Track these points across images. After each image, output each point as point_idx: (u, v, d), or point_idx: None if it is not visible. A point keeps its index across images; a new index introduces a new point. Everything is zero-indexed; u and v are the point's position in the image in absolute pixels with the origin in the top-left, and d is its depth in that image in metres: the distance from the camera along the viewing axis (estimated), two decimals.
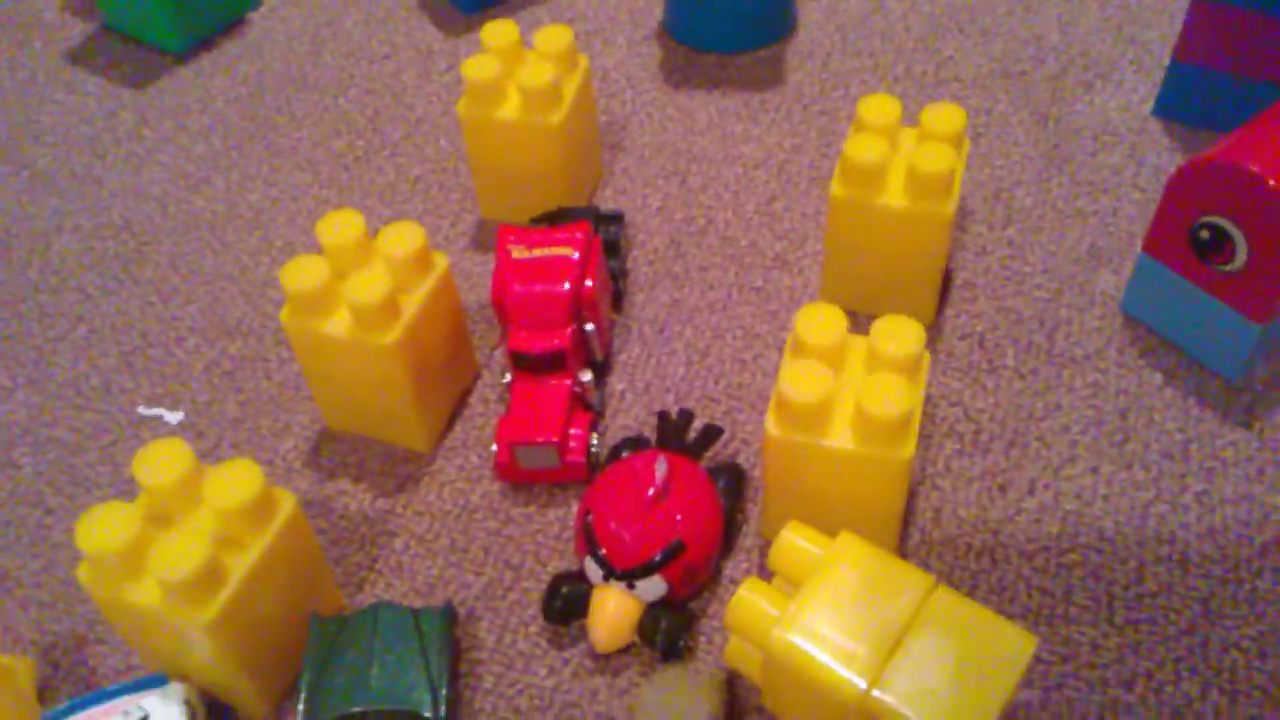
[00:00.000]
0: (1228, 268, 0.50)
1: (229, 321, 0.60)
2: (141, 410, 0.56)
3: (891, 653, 0.38)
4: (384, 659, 0.43)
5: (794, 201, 0.64)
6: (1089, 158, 0.64)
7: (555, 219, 0.59)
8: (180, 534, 0.39)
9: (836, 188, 0.53)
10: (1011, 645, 0.38)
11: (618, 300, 0.59)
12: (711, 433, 0.51)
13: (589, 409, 0.53)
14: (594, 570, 0.45)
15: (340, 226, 0.49)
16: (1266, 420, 0.52)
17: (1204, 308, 0.52)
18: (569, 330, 0.51)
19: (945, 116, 0.53)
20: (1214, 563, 0.47)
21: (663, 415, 0.52)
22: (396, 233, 0.49)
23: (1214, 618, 0.45)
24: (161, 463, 0.41)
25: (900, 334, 0.44)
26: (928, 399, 0.54)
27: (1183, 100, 0.65)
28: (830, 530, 0.45)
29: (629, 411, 0.54)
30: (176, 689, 0.42)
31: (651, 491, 0.45)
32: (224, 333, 0.60)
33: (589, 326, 0.53)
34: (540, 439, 0.50)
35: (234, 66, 0.76)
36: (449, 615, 0.45)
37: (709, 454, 0.52)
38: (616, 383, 0.56)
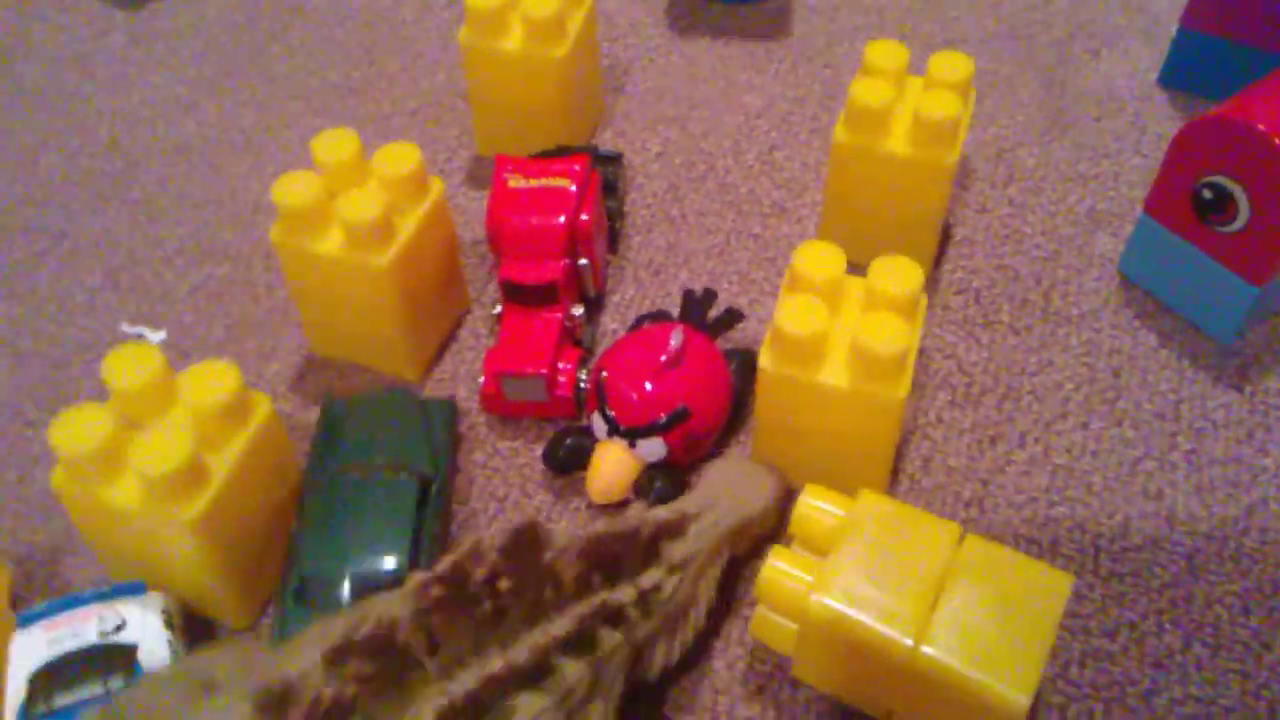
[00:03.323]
0: (1228, 228, 0.50)
1: (216, 244, 0.59)
2: (124, 328, 0.55)
3: (932, 606, 0.37)
4: (388, 431, 0.46)
5: (794, 151, 0.63)
6: (1092, 123, 0.64)
7: (555, 156, 0.58)
8: (160, 431, 0.38)
9: (840, 132, 0.52)
10: (1049, 585, 0.38)
11: (614, 240, 0.58)
12: (732, 315, 0.51)
13: (579, 345, 0.52)
14: (600, 425, 0.47)
15: (335, 144, 0.48)
16: (1258, 383, 0.52)
17: (1202, 270, 0.52)
18: (562, 263, 0.51)
19: (952, 64, 0.52)
20: (1200, 520, 0.47)
21: (688, 293, 0.52)
22: (392, 152, 0.48)
23: (1198, 573, 0.46)
24: (132, 366, 0.40)
25: (899, 274, 0.44)
26: (922, 350, 0.54)
27: (1188, 69, 0.64)
28: (820, 471, 0.45)
29: None
30: (155, 597, 0.41)
31: (664, 358, 0.46)
32: (211, 255, 0.59)
33: (582, 261, 0.52)
34: (529, 370, 0.49)
35: None
36: (452, 406, 0.49)
37: (727, 336, 0.52)
38: (609, 322, 0.55)
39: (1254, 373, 0.52)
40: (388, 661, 0.34)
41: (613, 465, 0.46)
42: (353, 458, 0.45)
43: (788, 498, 0.45)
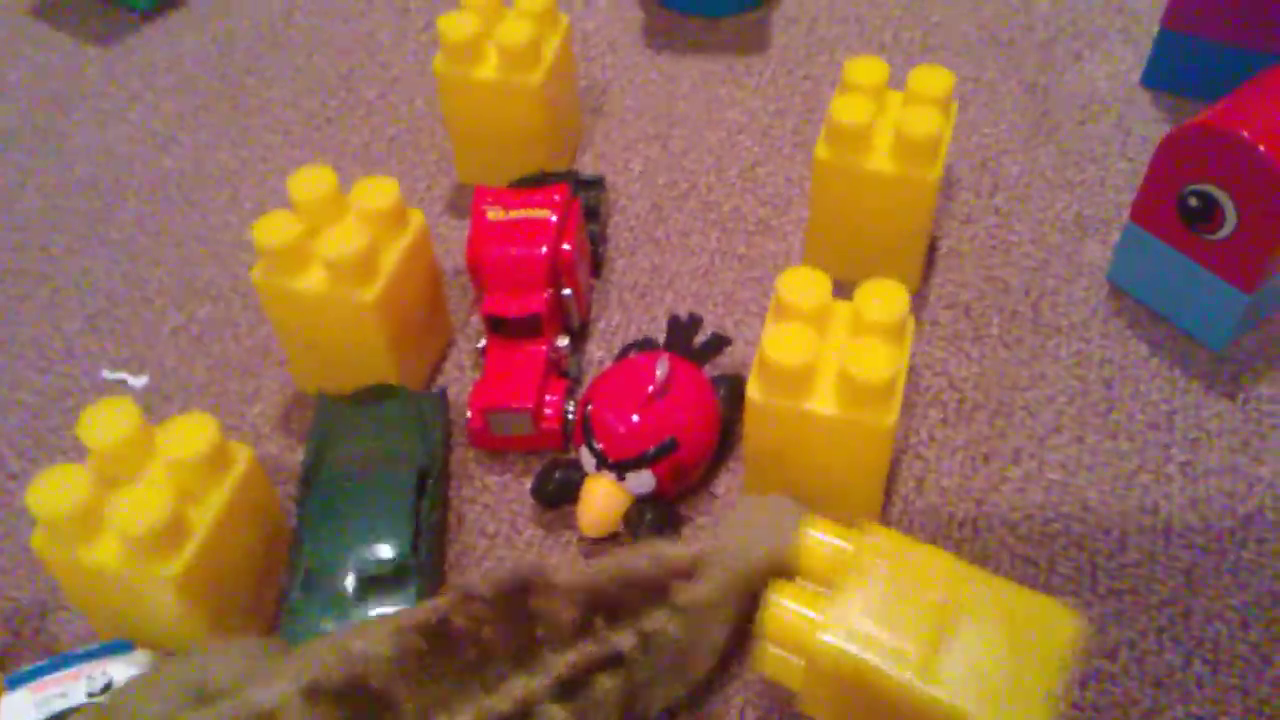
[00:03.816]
0: (1216, 236, 0.50)
1: (197, 284, 0.59)
2: (106, 374, 0.55)
3: (939, 644, 0.36)
4: (383, 426, 0.47)
5: (778, 167, 0.63)
6: (1077, 127, 0.64)
7: (535, 183, 0.57)
8: (138, 489, 0.38)
9: (821, 150, 0.52)
10: (1059, 623, 0.37)
11: (597, 266, 0.58)
12: (718, 341, 0.51)
13: (565, 376, 0.52)
14: (588, 459, 0.46)
15: (312, 181, 0.48)
16: (1251, 391, 0.51)
17: (1191, 277, 0.52)
18: (545, 294, 0.50)
19: (932, 79, 0.52)
20: (1197, 533, 0.47)
21: (673, 319, 0.52)
22: (370, 187, 0.48)
23: (1197, 587, 0.45)
24: (108, 422, 0.40)
25: (885, 297, 0.43)
26: (912, 368, 0.53)
27: (1171, 70, 0.64)
28: (812, 498, 0.44)
29: None
30: (142, 655, 0.41)
31: (651, 389, 0.46)
32: (192, 295, 0.58)
33: (566, 291, 0.51)
34: (515, 405, 0.49)
35: (203, 24, 0.73)
36: (443, 399, 0.51)
37: (714, 362, 0.52)
38: (595, 350, 0.55)
39: (1247, 380, 0.52)
40: (362, 704, 0.34)
41: (602, 499, 0.46)
42: (351, 453, 0.46)
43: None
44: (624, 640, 0.38)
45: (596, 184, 0.59)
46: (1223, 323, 0.51)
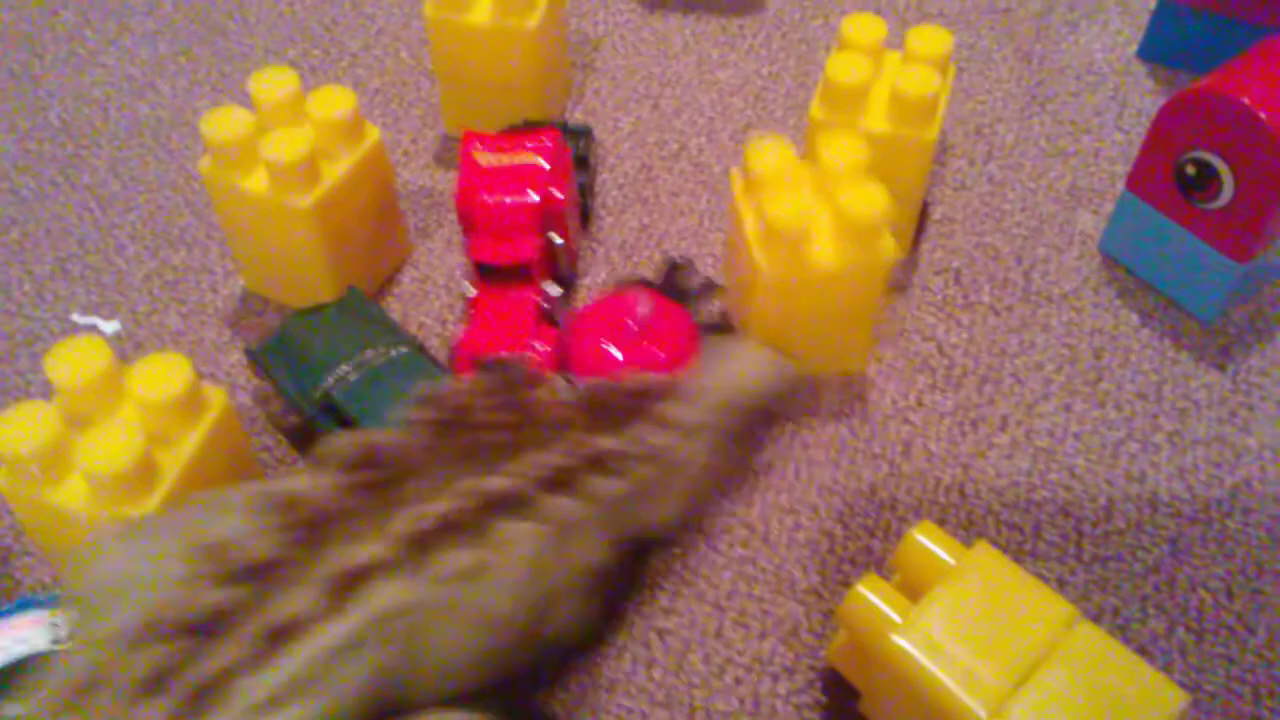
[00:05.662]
0: (1212, 205, 0.49)
1: (172, 231, 0.57)
2: (76, 318, 0.53)
3: (1020, 683, 0.34)
4: (357, 328, 0.47)
5: (770, 129, 0.62)
6: (1072, 97, 0.63)
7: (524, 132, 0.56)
8: (108, 429, 0.37)
9: (816, 110, 0.51)
10: (1158, 699, 0.34)
11: (585, 218, 0.57)
12: (709, 286, 0.50)
13: (554, 325, 0.51)
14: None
15: (273, 82, 0.47)
16: (1241, 362, 0.51)
17: (1185, 247, 0.51)
18: (537, 241, 0.49)
19: (931, 39, 0.51)
20: (1183, 502, 0.46)
21: (668, 262, 0.51)
22: (327, 95, 0.48)
23: (1182, 556, 0.45)
24: (78, 361, 0.38)
25: (843, 151, 0.46)
26: (902, 332, 0.52)
27: (1168, 42, 0.63)
28: (811, 352, 0.47)
29: None
30: None
31: (632, 324, 0.46)
32: (166, 242, 0.56)
33: (557, 240, 0.50)
34: (505, 354, 0.47)
35: None
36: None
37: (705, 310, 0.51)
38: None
39: (1237, 351, 0.51)
40: (375, 476, 0.34)
41: None
42: (342, 362, 0.46)
43: (797, 382, 0.46)
44: (612, 443, 0.38)
45: (585, 134, 0.57)
46: (1214, 294, 0.51)
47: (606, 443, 0.38)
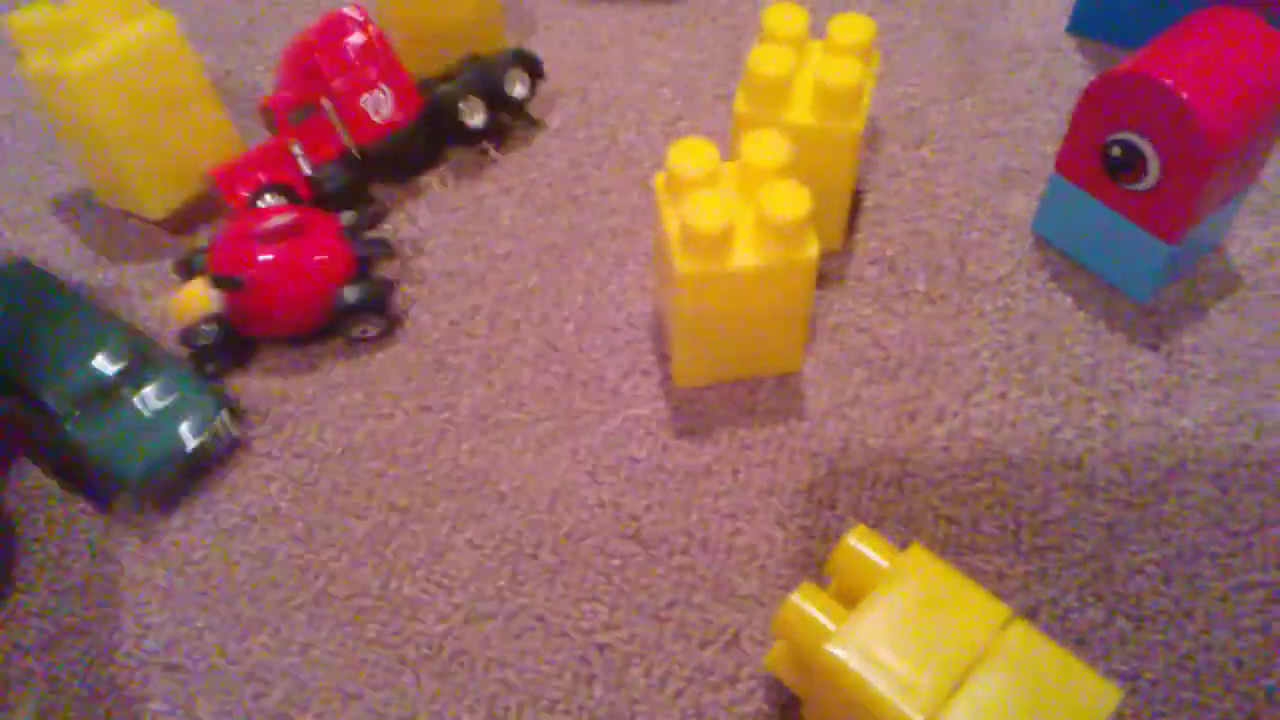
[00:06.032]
0: (1139, 186, 0.49)
1: (93, 247, 0.55)
2: None
3: (955, 688, 0.34)
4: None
5: (700, 120, 0.61)
6: (1003, 76, 0.62)
7: (473, 63, 0.58)
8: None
9: (740, 103, 0.50)
10: (1092, 697, 0.34)
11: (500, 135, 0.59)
12: (384, 246, 0.53)
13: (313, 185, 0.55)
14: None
15: None
16: (1175, 342, 0.51)
17: (1114, 228, 0.51)
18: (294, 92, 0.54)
19: (853, 27, 0.50)
20: (1119, 486, 0.46)
21: (371, 206, 0.55)
22: None
23: (1119, 543, 0.45)
24: None
25: (766, 146, 0.46)
26: (837, 326, 0.52)
27: (1097, 16, 0.63)
28: (742, 358, 0.48)
29: (524, 343, 0.52)
30: None
31: (258, 229, 0.50)
32: (82, 265, 0.55)
33: (325, 102, 0.54)
34: (209, 172, 0.53)
35: None
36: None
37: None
38: (513, 312, 0.53)
39: (1169, 330, 0.51)
40: None
41: (185, 294, 0.50)
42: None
43: None
44: None
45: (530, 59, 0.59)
46: (1146, 274, 0.51)
47: None
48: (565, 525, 0.46)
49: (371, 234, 0.54)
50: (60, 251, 0.56)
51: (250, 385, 0.51)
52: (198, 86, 0.54)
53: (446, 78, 0.58)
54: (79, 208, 0.57)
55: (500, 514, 0.46)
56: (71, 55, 0.49)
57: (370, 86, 0.54)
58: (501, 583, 0.44)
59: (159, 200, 0.55)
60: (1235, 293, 0.53)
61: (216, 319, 0.50)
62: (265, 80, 0.63)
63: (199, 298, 0.50)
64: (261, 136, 0.57)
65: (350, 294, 0.50)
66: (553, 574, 0.44)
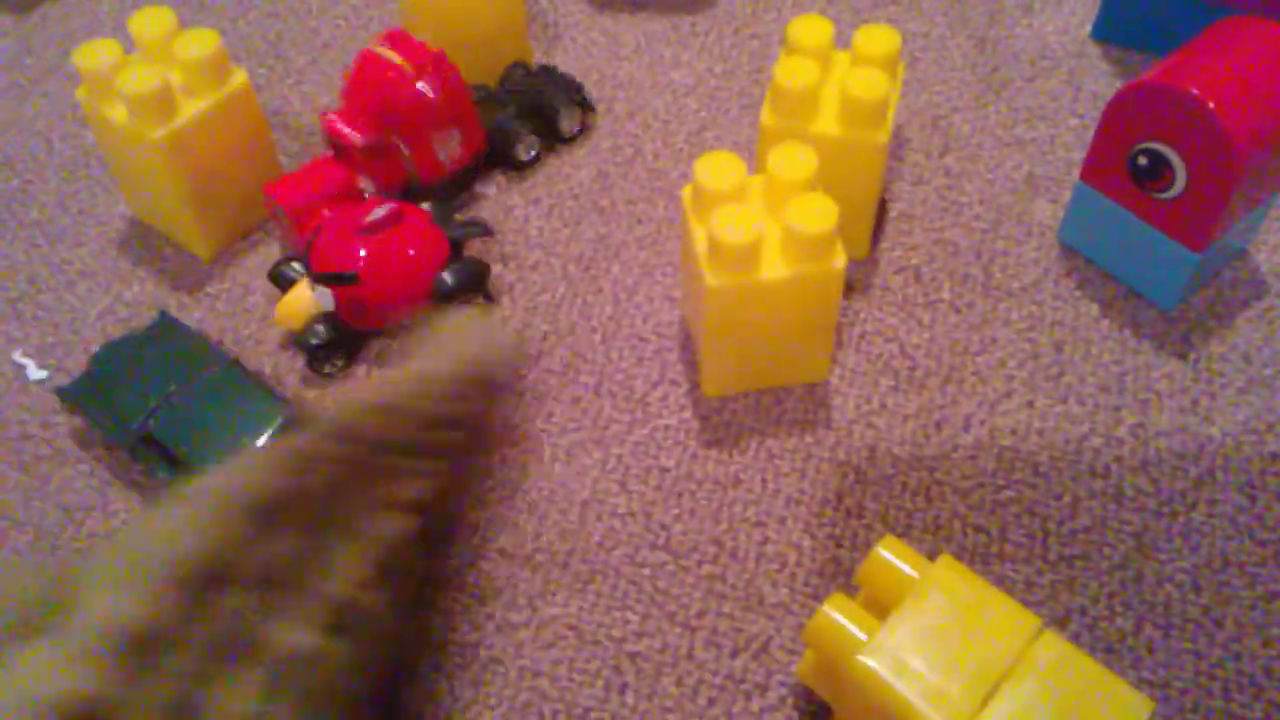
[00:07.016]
0: (1166, 195, 0.49)
1: (123, 266, 0.56)
2: (15, 357, 0.53)
3: (986, 699, 0.34)
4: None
5: (725, 130, 0.61)
6: (1027, 83, 0.63)
7: (526, 86, 0.60)
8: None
9: (766, 116, 0.50)
10: (1124, 708, 0.34)
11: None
12: (479, 226, 0.54)
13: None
14: (303, 265, 0.53)
15: (150, 20, 0.51)
16: (1202, 350, 0.51)
17: (1141, 236, 0.51)
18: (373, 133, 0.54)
19: (879, 39, 0.50)
20: (1148, 495, 0.47)
21: (437, 201, 0.55)
22: (194, 36, 0.51)
23: (1147, 551, 0.45)
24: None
25: (792, 160, 0.46)
26: (863, 334, 0.52)
27: (1121, 22, 0.63)
28: (770, 368, 0.48)
29: (552, 354, 0.52)
30: None
31: (365, 221, 0.50)
32: (118, 277, 0.56)
33: (405, 149, 0.54)
34: (278, 201, 0.53)
35: None
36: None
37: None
38: (541, 323, 0.53)
39: (1197, 339, 0.51)
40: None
41: (292, 297, 0.51)
42: (152, 395, 0.48)
43: (513, 345, 0.43)
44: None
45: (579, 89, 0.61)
46: (1173, 282, 0.51)
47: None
48: (596, 534, 0.46)
49: (458, 217, 0.55)
50: (95, 266, 0.56)
51: (285, 394, 0.51)
52: (263, 143, 0.55)
53: (497, 95, 0.59)
54: (120, 224, 0.58)
55: (531, 523, 0.47)
56: (148, 118, 0.49)
57: (444, 127, 0.55)
58: (533, 592, 0.45)
59: (206, 245, 0.55)
60: (1262, 300, 0.53)
61: (325, 318, 0.51)
62: (293, 94, 0.64)
63: (307, 301, 0.51)
64: (288, 148, 0.58)
65: (450, 277, 0.51)
66: (584, 583, 0.45)
